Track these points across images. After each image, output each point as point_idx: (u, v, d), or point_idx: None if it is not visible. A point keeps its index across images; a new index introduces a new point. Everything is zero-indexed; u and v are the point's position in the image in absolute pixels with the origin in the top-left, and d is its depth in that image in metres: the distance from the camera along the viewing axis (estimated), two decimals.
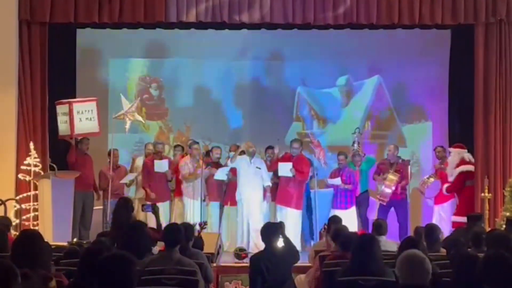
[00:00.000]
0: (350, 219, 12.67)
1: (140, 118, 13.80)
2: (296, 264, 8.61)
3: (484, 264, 5.31)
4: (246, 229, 13.06)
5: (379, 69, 15.98)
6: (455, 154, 13.17)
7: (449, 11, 13.22)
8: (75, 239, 11.58)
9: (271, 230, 8.25)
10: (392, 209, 13.48)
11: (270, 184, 13.35)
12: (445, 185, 13.14)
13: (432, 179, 13.32)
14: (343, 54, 15.86)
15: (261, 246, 8.48)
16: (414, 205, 14.54)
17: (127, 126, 13.36)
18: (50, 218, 12.17)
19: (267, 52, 15.90)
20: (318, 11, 13.23)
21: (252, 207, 13.16)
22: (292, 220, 13.00)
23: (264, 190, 13.35)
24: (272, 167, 13.47)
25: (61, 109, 12.95)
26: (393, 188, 13.32)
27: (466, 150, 13.22)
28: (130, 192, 13.86)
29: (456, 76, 15.09)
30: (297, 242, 11.91)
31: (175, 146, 14.46)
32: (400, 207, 13.52)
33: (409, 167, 13.80)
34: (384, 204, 13.36)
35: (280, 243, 8.25)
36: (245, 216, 13.14)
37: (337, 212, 12.47)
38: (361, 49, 15.67)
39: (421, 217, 14.57)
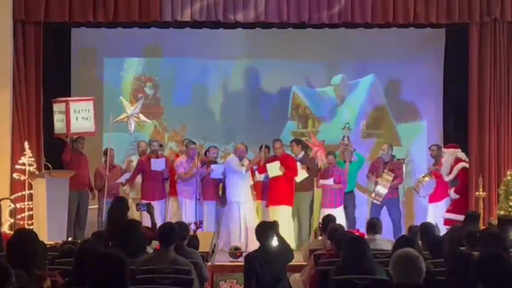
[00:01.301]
0: (339, 218, 12.67)
1: (146, 119, 13.82)
2: (290, 263, 8.63)
3: (480, 262, 5.32)
4: (244, 228, 13.08)
5: (374, 68, 15.97)
6: (449, 154, 13.16)
7: (443, 10, 13.26)
8: (70, 238, 11.57)
9: (266, 229, 8.26)
10: (385, 208, 13.50)
11: (253, 182, 13.41)
12: (452, 190, 13.08)
13: (427, 178, 13.30)
14: (338, 53, 15.86)
15: (255, 245, 8.49)
16: (408, 204, 14.55)
17: (132, 127, 13.37)
18: (45, 217, 12.17)
19: (262, 51, 15.85)
20: (313, 10, 13.25)
21: (247, 207, 13.21)
22: (285, 217, 13.02)
23: (251, 189, 13.45)
24: (261, 171, 13.48)
25: (58, 107, 12.94)
26: (388, 187, 13.32)
27: (459, 150, 13.23)
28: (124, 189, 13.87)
29: (450, 75, 15.10)
30: (290, 240, 11.91)
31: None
32: (393, 206, 13.51)
33: (403, 166, 13.79)
34: (378, 203, 13.36)
35: (274, 242, 8.26)
36: (242, 215, 13.17)
37: (327, 211, 12.49)
38: (356, 48, 15.66)
39: (415, 216, 14.56)
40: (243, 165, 13.27)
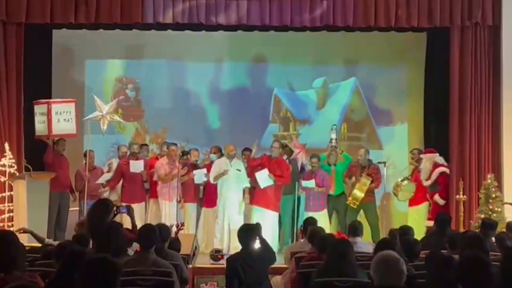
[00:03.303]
0: (322, 221, 12.68)
1: (118, 118, 13.79)
2: (272, 266, 8.62)
3: (461, 265, 5.34)
4: (227, 231, 13.04)
5: (356, 71, 16.01)
6: (426, 160, 13.18)
7: (425, 14, 13.32)
8: (50, 240, 11.49)
9: (248, 231, 8.25)
10: (361, 211, 13.48)
11: (248, 185, 13.35)
12: (436, 196, 13.06)
13: (405, 182, 13.31)
14: (320, 56, 15.90)
15: (238, 247, 8.48)
16: (388, 208, 14.57)
17: (104, 127, 13.31)
18: (25, 219, 12.10)
19: (244, 54, 15.89)
20: (295, 13, 13.27)
21: (233, 209, 13.15)
22: (269, 222, 12.99)
23: (243, 191, 13.38)
24: (249, 170, 13.43)
25: (39, 109, 12.89)
26: (365, 191, 13.30)
27: (437, 154, 13.25)
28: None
29: (431, 79, 15.15)
30: (274, 244, 11.91)
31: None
32: (369, 209, 13.47)
33: (381, 170, 13.70)
34: (355, 207, 13.32)
35: (256, 244, 8.26)
36: (226, 218, 13.12)
37: (310, 215, 12.47)
38: (337, 51, 15.74)
39: (395, 219, 14.58)
40: (231, 165, 13.23)
